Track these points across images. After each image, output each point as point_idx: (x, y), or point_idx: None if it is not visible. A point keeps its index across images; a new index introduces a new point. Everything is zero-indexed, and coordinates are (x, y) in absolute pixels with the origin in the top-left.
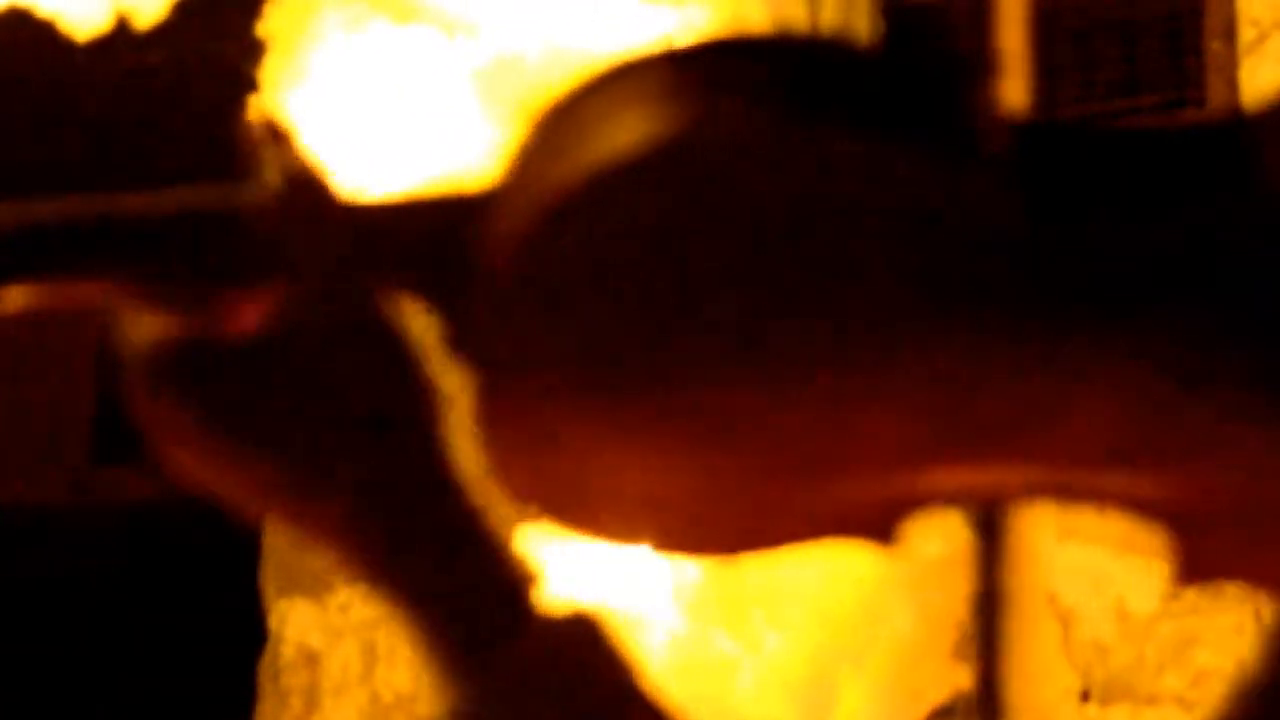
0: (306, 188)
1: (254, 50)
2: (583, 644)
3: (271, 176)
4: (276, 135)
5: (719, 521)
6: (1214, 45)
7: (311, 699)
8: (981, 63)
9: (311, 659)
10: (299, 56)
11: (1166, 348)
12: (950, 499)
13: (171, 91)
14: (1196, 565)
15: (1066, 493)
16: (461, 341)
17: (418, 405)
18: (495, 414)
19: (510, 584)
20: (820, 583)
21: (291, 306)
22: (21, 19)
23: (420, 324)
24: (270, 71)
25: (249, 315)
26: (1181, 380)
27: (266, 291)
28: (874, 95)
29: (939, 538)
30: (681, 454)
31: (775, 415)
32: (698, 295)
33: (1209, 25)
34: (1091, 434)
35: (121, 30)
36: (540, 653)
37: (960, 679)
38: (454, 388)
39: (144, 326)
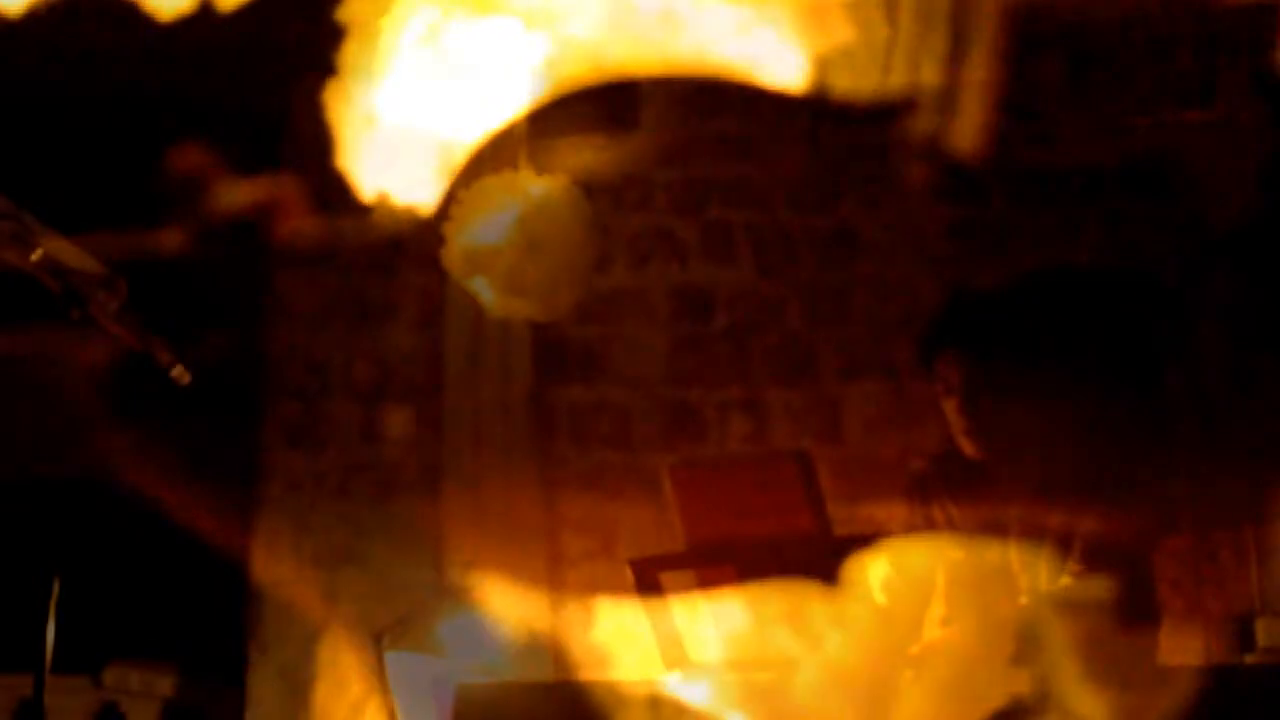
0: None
1: (334, 35)
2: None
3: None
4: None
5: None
6: None
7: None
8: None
9: None
10: (378, 42)
11: (1072, 399)
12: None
13: (247, 72)
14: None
15: (1003, 529)
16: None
17: None
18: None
19: None
20: (881, 584)
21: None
22: None
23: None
24: (349, 57)
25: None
26: (1089, 427)
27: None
28: None
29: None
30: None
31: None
32: None
33: None
34: (1020, 478)
35: (204, 11)
36: None
37: (1019, 684)
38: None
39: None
